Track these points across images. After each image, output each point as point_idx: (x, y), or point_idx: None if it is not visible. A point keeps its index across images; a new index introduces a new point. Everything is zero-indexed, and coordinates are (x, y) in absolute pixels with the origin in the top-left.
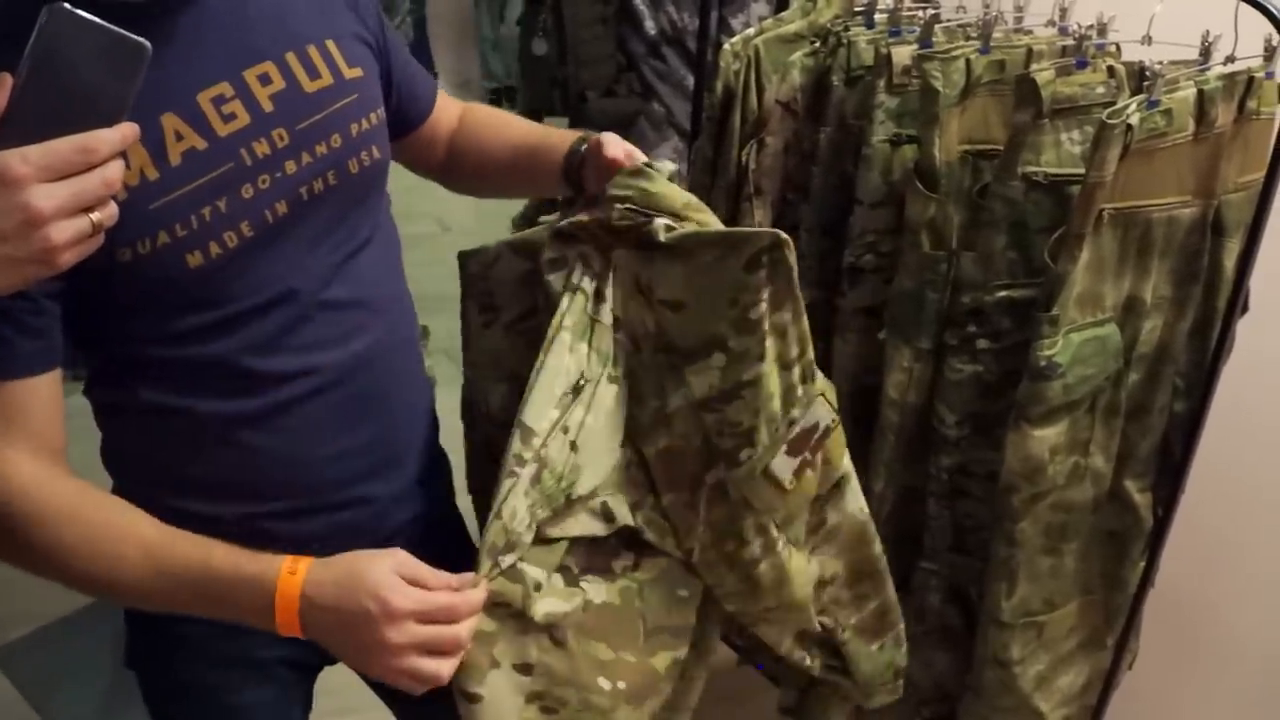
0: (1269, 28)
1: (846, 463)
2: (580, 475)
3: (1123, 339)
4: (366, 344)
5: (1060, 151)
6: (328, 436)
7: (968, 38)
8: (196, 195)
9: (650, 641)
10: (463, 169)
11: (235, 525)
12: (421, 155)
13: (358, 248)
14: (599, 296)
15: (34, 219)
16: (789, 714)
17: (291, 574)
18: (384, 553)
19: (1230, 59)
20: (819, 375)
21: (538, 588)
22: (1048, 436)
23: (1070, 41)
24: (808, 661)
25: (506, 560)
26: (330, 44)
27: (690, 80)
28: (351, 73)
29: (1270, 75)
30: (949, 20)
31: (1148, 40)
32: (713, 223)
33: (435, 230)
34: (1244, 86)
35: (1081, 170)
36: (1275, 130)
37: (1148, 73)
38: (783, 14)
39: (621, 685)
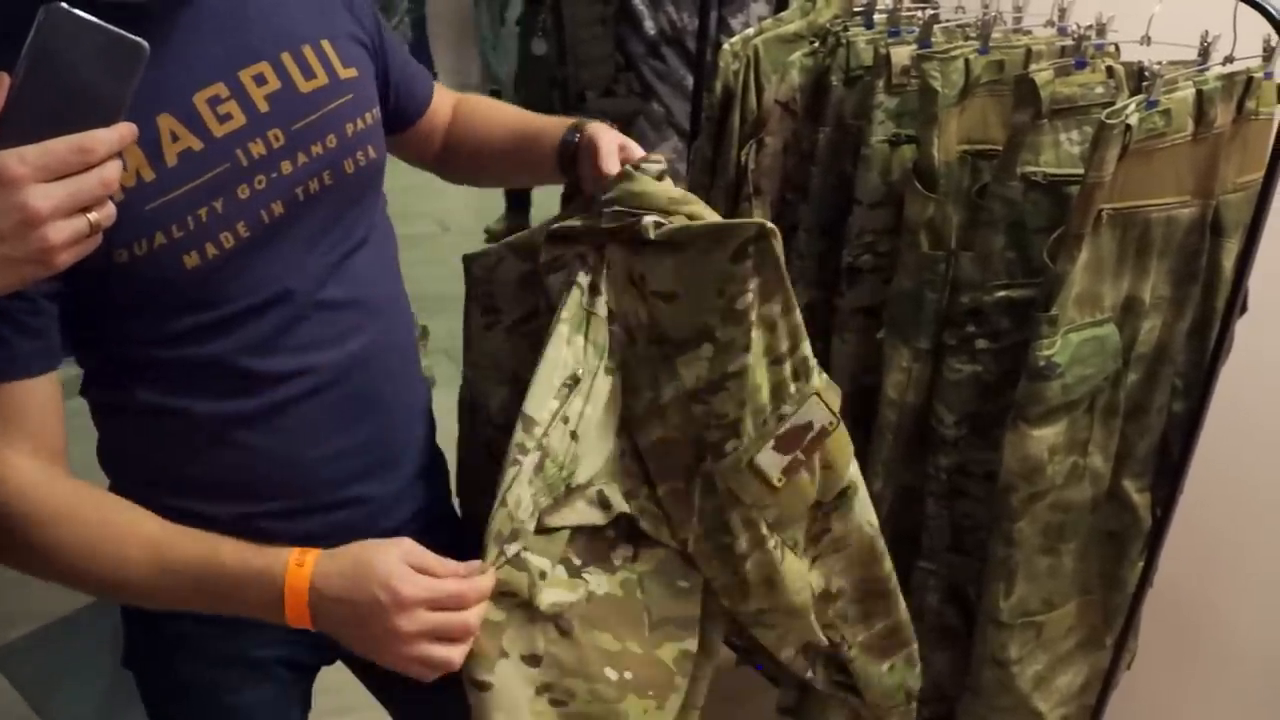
0: (1268, 28)
1: (853, 472)
2: (580, 464)
3: (1121, 339)
4: (363, 344)
5: (1059, 152)
6: (324, 436)
7: (967, 38)
8: (193, 196)
9: (656, 633)
10: (459, 160)
11: (232, 525)
12: (418, 149)
13: (354, 248)
14: (594, 290)
15: (31, 219)
16: (788, 714)
17: (299, 566)
18: (391, 542)
19: (1229, 59)
20: (821, 377)
21: (542, 576)
22: (1046, 436)
23: (1069, 42)
24: (811, 674)
25: (511, 549)
26: (325, 44)
27: (689, 80)
28: (347, 73)
29: (1269, 75)
30: (948, 20)
31: (1147, 40)
32: (703, 213)
33: (435, 230)
34: (1243, 87)
35: (1080, 170)
36: (1274, 130)
37: (1146, 73)
38: (782, 14)
39: (628, 675)
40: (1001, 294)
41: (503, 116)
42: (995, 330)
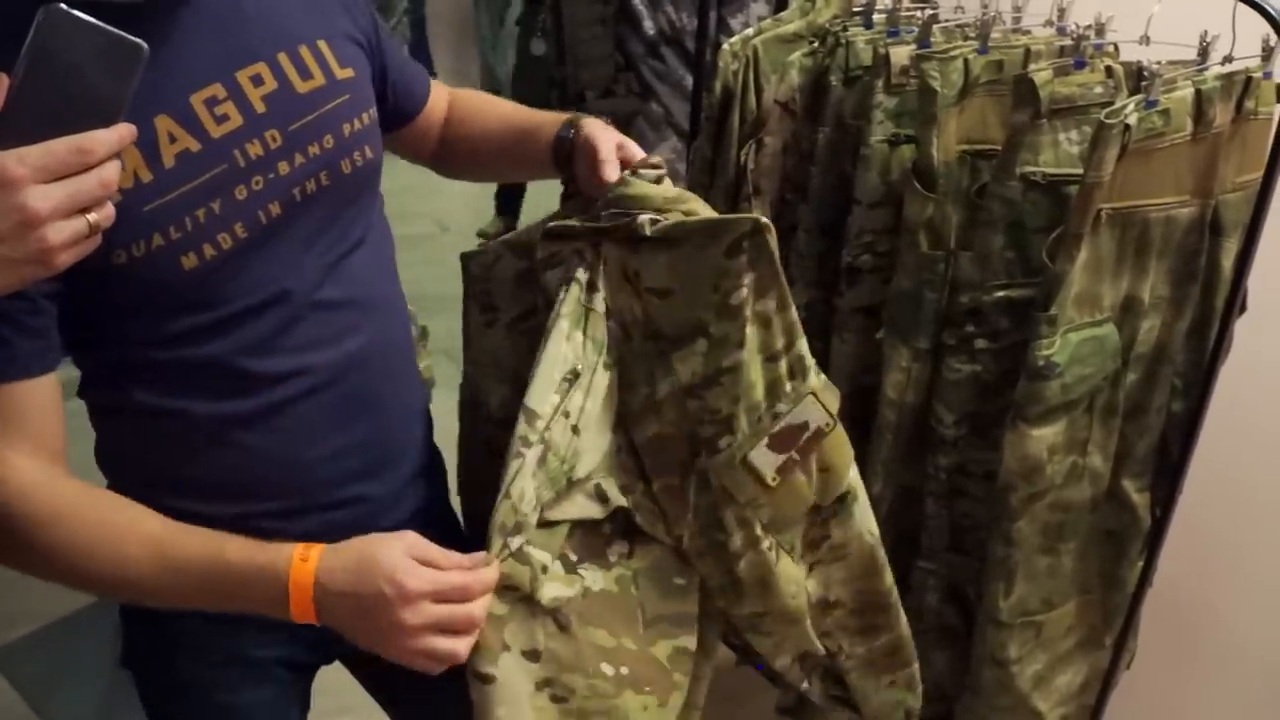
0: (1266, 28)
1: (853, 477)
2: (580, 458)
3: (1121, 339)
4: (360, 344)
5: (1058, 151)
6: (322, 436)
7: (966, 38)
8: (190, 197)
9: (650, 630)
10: (455, 156)
11: (230, 525)
12: (414, 145)
13: (351, 248)
14: (591, 287)
15: (30, 220)
16: (788, 714)
17: (304, 561)
18: (394, 535)
19: (1228, 59)
20: (819, 377)
21: (544, 570)
22: (1045, 436)
23: (1068, 41)
24: (807, 685)
25: (515, 542)
26: (322, 44)
27: (689, 80)
28: (343, 73)
29: (1268, 75)
30: (947, 20)
31: (1145, 40)
32: (699, 210)
33: (434, 230)
34: (1242, 86)
35: (1079, 170)
36: (1273, 130)
37: (1145, 73)
38: (781, 14)
39: (624, 671)
40: (1001, 294)
41: (498, 112)
42: (994, 330)
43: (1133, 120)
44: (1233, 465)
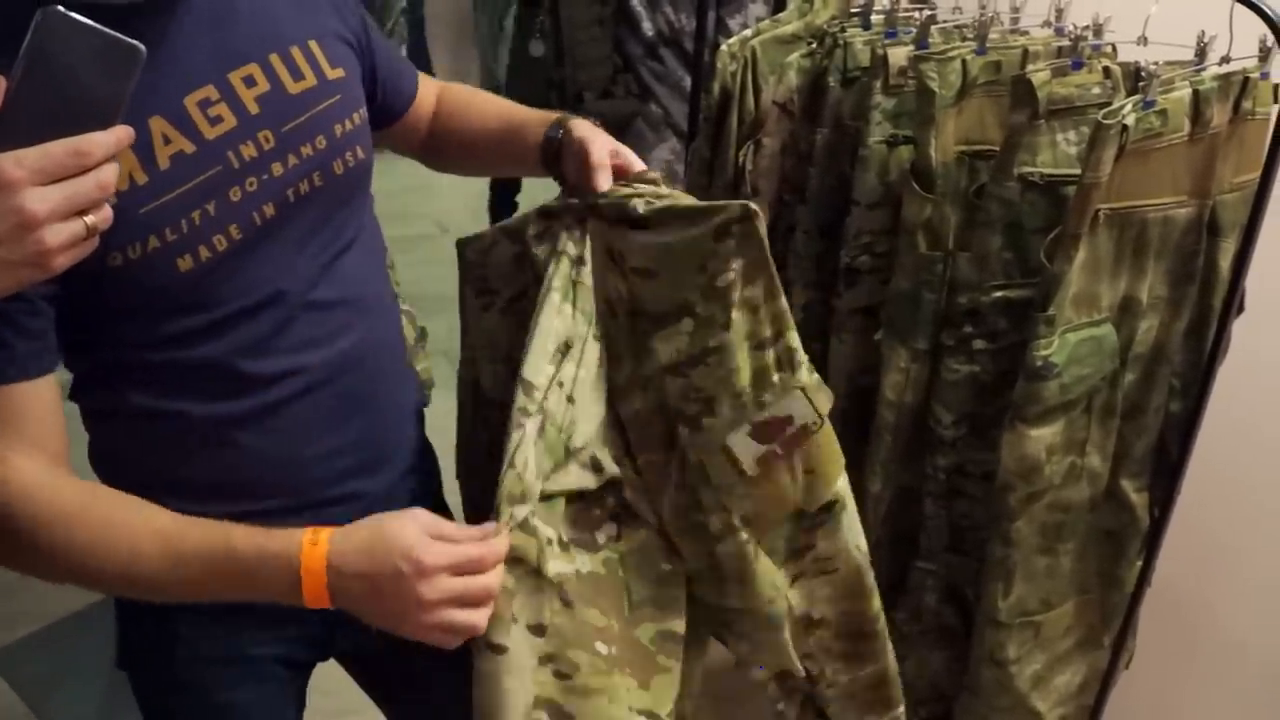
0: (1263, 28)
1: (842, 486)
2: (576, 428)
3: (1119, 339)
4: (353, 342)
5: (1056, 152)
6: (316, 435)
7: (964, 39)
8: (186, 199)
9: (635, 613)
10: (442, 149)
11: None
12: (403, 138)
13: (343, 248)
14: (579, 261)
15: (28, 222)
16: None
17: (314, 545)
18: (405, 513)
19: (1225, 59)
20: (812, 376)
21: (549, 542)
22: (1044, 436)
23: (1066, 42)
24: (782, 708)
25: (520, 511)
26: (313, 44)
27: (687, 81)
28: (334, 73)
29: (1265, 75)
30: (945, 21)
31: (1143, 41)
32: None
33: (434, 231)
34: (1239, 87)
35: (1077, 171)
36: (1270, 130)
37: (1143, 73)
38: (780, 15)
39: (614, 650)
40: (999, 294)
41: (487, 107)
42: (993, 330)
43: (1130, 121)
44: (1231, 465)
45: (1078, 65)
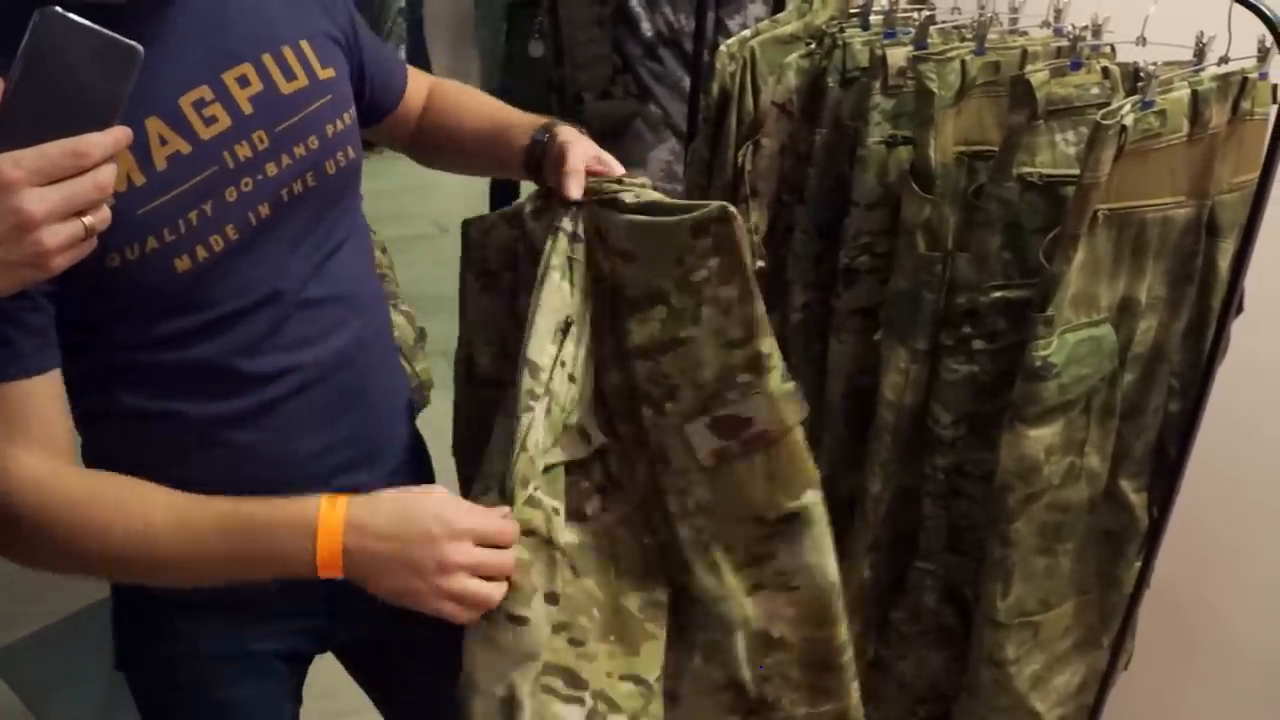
0: (1262, 29)
1: (809, 502)
2: (576, 406)
3: (1118, 339)
4: (346, 339)
5: (1055, 152)
6: (311, 432)
7: (963, 39)
8: (183, 199)
9: (621, 581)
10: (430, 145)
11: None
12: (391, 132)
13: (335, 247)
14: (575, 238)
15: (26, 223)
16: None
17: (332, 507)
18: (427, 487)
19: (1224, 60)
20: (785, 385)
21: (556, 513)
22: (1043, 436)
23: (1065, 43)
24: None
25: (527, 491)
26: (304, 44)
27: (686, 82)
28: (325, 73)
29: (1264, 76)
30: (944, 22)
31: (1142, 41)
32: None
33: (433, 232)
34: (1238, 87)
35: (1076, 171)
36: (1269, 131)
37: (1142, 74)
38: (779, 15)
39: (606, 618)
40: (998, 294)
41: (477, 106)
42: (992, 331)
43: (1129, 121)
44: (1230, 465)
45: (1076, 65)
